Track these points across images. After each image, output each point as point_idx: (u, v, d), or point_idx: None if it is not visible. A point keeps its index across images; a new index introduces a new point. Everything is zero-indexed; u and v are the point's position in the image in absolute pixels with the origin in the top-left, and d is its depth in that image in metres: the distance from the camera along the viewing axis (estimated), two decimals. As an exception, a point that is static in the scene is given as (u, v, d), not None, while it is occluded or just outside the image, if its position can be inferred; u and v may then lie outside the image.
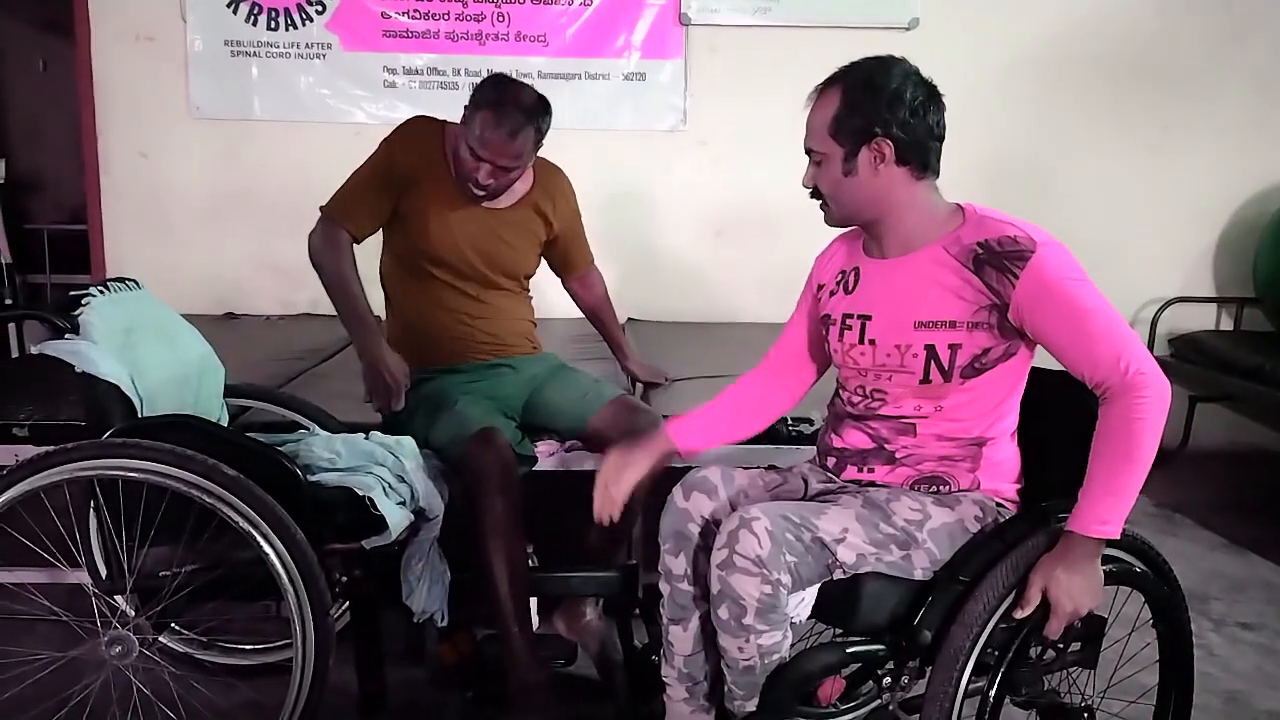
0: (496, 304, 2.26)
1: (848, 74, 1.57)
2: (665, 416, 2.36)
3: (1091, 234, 3.88)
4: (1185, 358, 3.96)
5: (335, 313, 2.20)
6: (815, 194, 1.63)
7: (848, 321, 1.64)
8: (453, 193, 2.16)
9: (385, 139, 2.21)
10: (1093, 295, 1.46)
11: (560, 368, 2.34)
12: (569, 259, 2.45)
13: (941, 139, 1.57)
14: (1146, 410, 1.40)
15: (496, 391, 2.21)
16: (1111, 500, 1.41)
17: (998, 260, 1.49)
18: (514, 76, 2.20)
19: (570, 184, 2.37)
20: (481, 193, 2.14)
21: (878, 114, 1.52)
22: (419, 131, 2.21)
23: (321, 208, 2.19)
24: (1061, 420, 1.54)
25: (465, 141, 2.08)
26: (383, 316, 2.34)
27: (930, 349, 1.53)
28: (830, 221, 1.66)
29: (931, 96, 1.55)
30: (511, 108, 2.05)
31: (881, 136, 1.53)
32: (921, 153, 1.55)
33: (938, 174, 1.60)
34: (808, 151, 1.61)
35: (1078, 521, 1.43)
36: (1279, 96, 4.02)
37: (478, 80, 4.43)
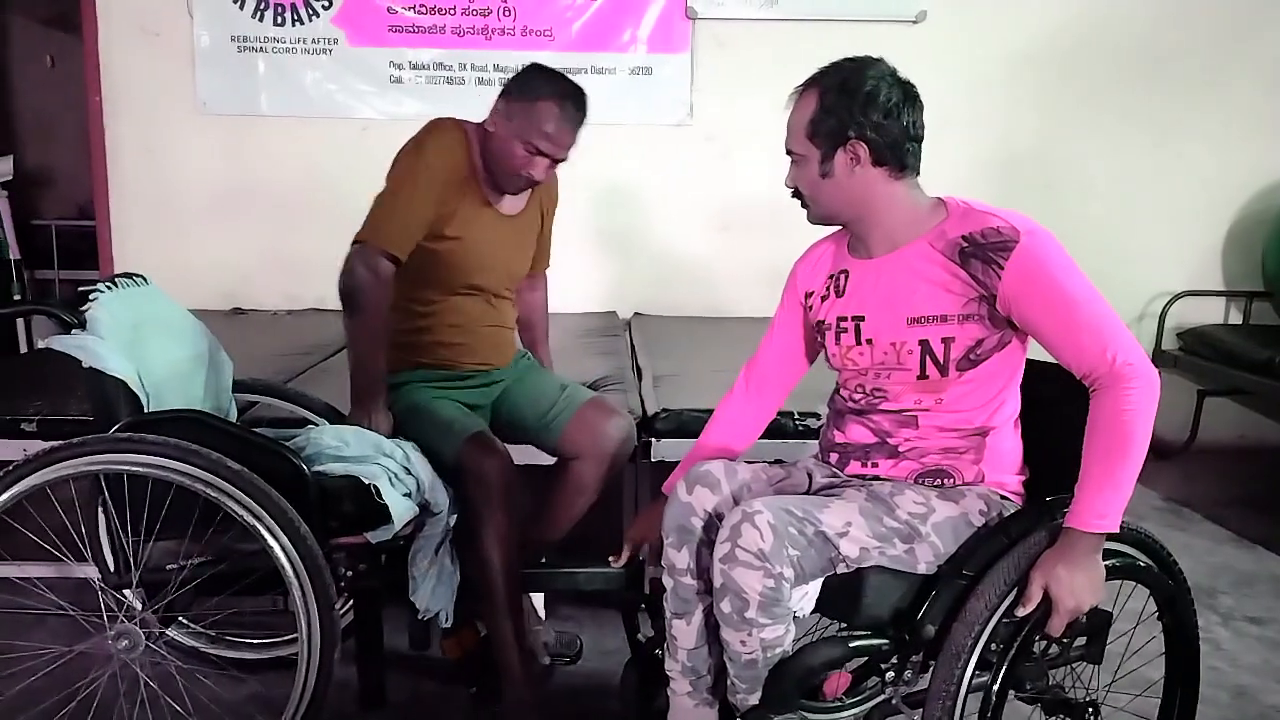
0: (502, 310, 2.18)
1: (825, 76, 1.57)
2: (666, 412, 2.38)
3: (1100, 227, 3.89)
4: (1194, 351, 3.94)
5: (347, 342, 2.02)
6: (796, 194, 1.65)
7: (842, 324, 1.64)
8: (475, 202, 2.04)
9: (417, 149, 1.99)
10: (1080, 285, 1.45)
11: (527, 371, 2.24)
12: (537, 258, 2.28)
13: (919, 139, 1.57)
14: (1135, 402, 1.39)
15: (466, 399, 2.12)
16: (1107, 494, 1.41)
17: (982, 252, 1.48)
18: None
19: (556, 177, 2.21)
20: (527, 187, 2.05)
21: (852, 116, 1.52)
22: (451, 136, 2.02)
23: (359, 237, 1.97)
24: (1066, 411, 1.52)
25: (519, 137, 1.94)
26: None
27: (924, 344, 1.53)
28: (812, 220, 1.67)
29: (908, 97, 1.55)
30: (572, 99, 1.95)
31: (856, 139, 1.53)
32: (898, 153, 1.55)
33: (918, 172, 1.60)
34: (788, 152, 1.62)
35: (1075, 517, 1.42)
36: (1289, 90, 4.01)
37: (484, 75, 4.34)
